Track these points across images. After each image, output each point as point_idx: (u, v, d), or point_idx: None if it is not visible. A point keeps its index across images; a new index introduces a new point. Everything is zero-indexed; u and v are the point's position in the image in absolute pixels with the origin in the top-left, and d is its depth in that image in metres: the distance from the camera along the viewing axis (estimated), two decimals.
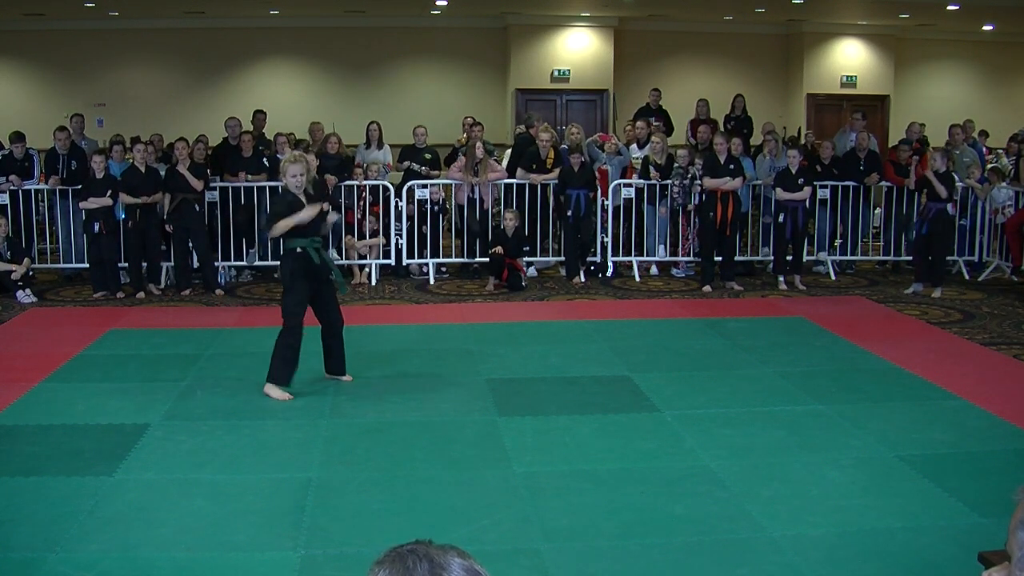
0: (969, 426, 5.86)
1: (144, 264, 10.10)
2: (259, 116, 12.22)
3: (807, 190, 10.31)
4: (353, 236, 10.65)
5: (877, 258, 11.62)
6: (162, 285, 10.18)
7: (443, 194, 10.91)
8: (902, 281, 10.64)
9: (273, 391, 6.36)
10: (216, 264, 10.31)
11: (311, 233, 6.44)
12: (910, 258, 10.83)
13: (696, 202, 10.56)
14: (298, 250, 6.39)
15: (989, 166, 12.33)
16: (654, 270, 11.22)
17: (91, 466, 5.14)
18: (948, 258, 11.17)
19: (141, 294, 9.80)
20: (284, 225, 6.32)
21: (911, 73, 17.67)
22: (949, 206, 10.42)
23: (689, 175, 10.62)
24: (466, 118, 12.19)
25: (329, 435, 5.69)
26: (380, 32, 16.51)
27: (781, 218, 10.29)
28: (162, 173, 10.13)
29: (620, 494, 4.83)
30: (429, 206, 10.69)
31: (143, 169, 9.93)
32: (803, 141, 13.27)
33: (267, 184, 10.44)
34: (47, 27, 15.67)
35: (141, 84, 16.15)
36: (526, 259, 10.69)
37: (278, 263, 10.37)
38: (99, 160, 9.89)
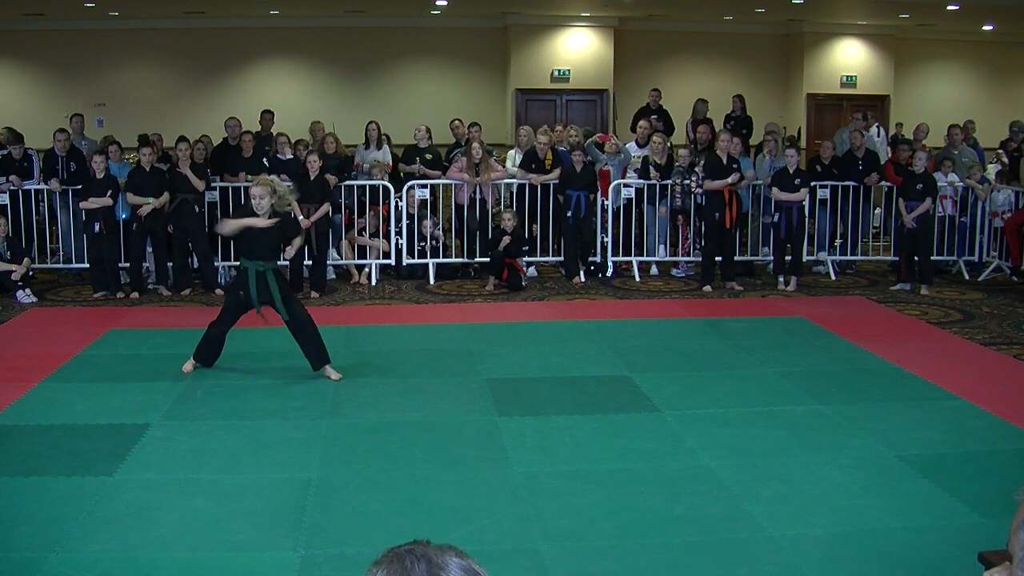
0: (969, 426, 5.86)
1: (147, 265, 10.09)
2: (267, 116, 12.18)
3: (804, 191, 10.28)
4: (354, 232, 10.66)
5: (877, 258, 11.61)
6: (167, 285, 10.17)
7: (440, 233, 10.84)
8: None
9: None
10: (216, 264, 10.30)
11: (258, 255, 6.69)
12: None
13: (699, 202, 10.54)
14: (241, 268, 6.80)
15: (990, 165, 12.30)
16: (654, 270, 11.22)
17: (91, 466, 5.14)
18: (950, 258, 11.20)
19: (135, 294, 9.78)
20: (233, 225, 6.74)
21: (911, 73, 17.66)
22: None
23: (691, 177, 10.60)
24: (453, 120, 12.01)
25: (329, 435, 5.69)
26: (380, 32, 16.50)
27: (776, 218, 10.28)
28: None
29: (620, 494, 4.82)
30: (429, 240, 10.69)
31: (148, 170, 9.92)
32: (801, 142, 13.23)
33: None
34: (47, 27, 15.66)
35: (141, 84, 16.15)
36: (526, 259, 10.69)
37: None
38: (99, 160, 9.90)
